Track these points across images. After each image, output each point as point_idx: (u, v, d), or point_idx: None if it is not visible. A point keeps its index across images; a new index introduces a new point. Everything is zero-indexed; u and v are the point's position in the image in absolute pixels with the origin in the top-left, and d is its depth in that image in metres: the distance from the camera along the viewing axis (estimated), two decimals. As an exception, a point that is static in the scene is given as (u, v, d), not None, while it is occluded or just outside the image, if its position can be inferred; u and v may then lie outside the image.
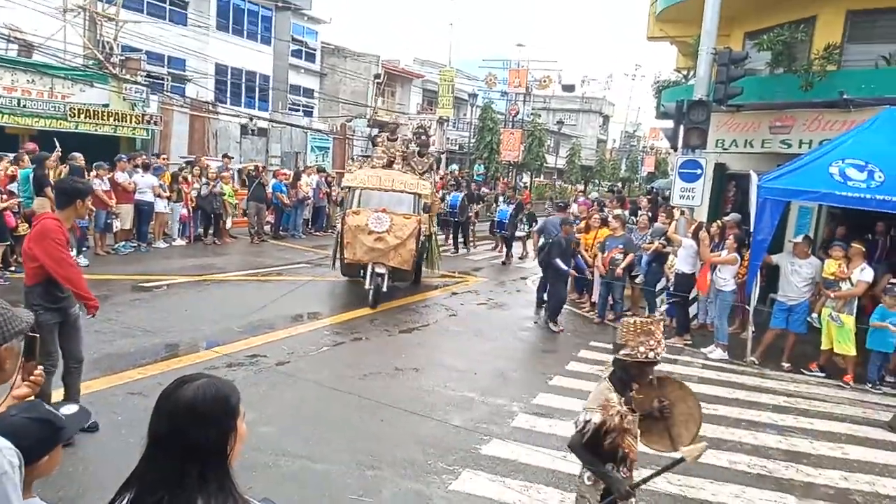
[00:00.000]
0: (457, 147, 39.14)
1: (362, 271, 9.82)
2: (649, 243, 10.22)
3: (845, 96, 9.85)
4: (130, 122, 17.17)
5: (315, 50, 33.57)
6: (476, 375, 7.15)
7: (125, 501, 1.52)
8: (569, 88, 42.58)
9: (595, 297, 10.87)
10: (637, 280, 10.29)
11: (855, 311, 8.03)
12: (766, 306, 8.81)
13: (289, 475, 4.54)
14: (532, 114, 39.65)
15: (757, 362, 8.50)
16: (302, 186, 16.53)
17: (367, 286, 9.62)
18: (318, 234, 17.42)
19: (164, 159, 15.64)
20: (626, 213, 14.59)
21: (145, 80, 19.05)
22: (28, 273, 4.63)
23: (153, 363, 6.49)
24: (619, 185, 41.91)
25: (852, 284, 7.97)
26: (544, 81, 38.30)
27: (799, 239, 8.66)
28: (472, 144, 35.94)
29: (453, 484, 4.60)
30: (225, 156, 17.42)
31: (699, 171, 10.24)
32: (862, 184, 7.83)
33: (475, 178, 30.52)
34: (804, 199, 8.81)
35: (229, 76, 26.49)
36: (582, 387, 6.96)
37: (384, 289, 9.59)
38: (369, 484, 4.51)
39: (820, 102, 10.38)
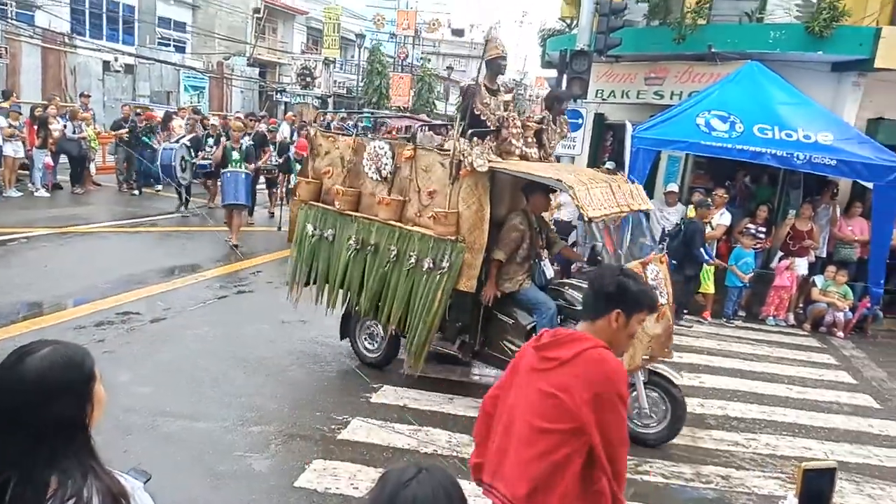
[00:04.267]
0: (344, 90, 37.95)
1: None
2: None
3: (713, 50, 10.46)
4: (-33, 53, 15.09)
5: (186, -21, 30.84)
6: (365, 324, 7.14)
7: None
8: (458, 33, 42.30)
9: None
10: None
11: (715, 252, 8.77)
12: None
13: (168, 436, 4.35)
14: (422, 58, 39.06)
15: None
16: (175, 129, 15.34)
17: (646, 415, 4.93)
18: (195, 181, 16.37)
19: (14, 99, 13.93)
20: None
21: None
22: (543, 460, 2.05)
23: (9, 325, 5.91)
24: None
25: (712, 228, 8.68)
26: (433, 25, 37.75)
27: (673, 188, 9.26)
28: (360, 88, 35.02)
29: (342, 433, 4.62)
30: (83, 95, 15.82)
31: (580, 121, 10.59)
32: (724, 134, 8.44)
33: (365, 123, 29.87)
34: (673, 148, 9.38)
35: (87, 4, 23.82)
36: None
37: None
38: (255, 440, 4.42)
39: (690, 55, 10.96)
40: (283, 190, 12.98)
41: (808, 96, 9.25)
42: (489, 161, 4.86)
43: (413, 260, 5.08)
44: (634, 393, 4.83)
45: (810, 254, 8.94)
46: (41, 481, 1.36)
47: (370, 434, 4.66)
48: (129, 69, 23.55)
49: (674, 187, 9.31)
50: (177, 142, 12.59)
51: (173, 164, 11.99)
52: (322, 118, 27.62)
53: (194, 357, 5.72)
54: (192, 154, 12.32)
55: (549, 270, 5.39)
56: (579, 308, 4.82)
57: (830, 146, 8.16)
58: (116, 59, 22.58)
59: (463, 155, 4.86)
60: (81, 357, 1.48)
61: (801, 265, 8.86)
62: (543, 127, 5.71)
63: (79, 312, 6.44)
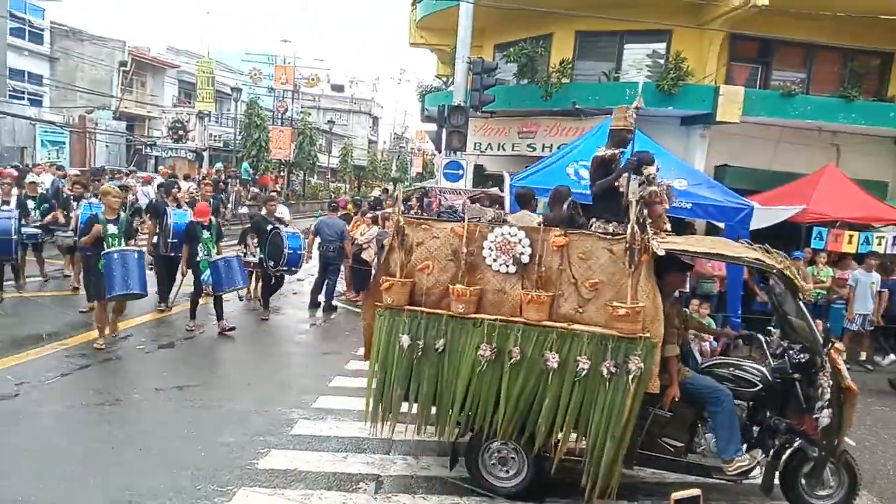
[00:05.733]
0: (221, 144, 36.84)
1: None
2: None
3: (577, 106, 11.32)
4: None
5: (42, 30, 29.07)
6: (251, 386, 6.79)
7: None
8: (338, 88, 42.75)
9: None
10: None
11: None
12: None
13: (21, 530, 3.84)
14: (302, 112, 38.93)
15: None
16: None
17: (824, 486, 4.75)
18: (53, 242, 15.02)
19: None
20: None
21: None
22: None
23: None
24: (392, 186, 43.17)
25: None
26: (312, 80, 37.87)
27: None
28: (238, 141, 34.15)
29: (228, 506, 4.30)
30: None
31: (461, 172, 10.96)
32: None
33: (243, 176, 29.04)
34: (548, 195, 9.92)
35: (-78, 53, 21.74)
36: (363, 385, 7.00)
37: None
38: (127, 523, 4.01)
39: (558, 111, 11.79)
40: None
41: (663, 147, 10.16)
42: (661, 243, 4.38)
43: (585, 366, 4.34)
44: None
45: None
46: None
47: (258, 504, 4.37)
48: (-26, 123, 21.58)
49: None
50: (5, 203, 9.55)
51: (14, 237, 8.86)
52: (198, 173, 26.58)
53: (52, 436, 5.13)
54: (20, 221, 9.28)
55: (698, 353, 4.93)
56: (748, 389, 4.73)
57: (685, 191, 8.96)
58: (-41, 113, 20.65)
59: (646, 240, 4.31)
60: None
61: (669, 301, 9.54)
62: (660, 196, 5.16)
63: None
